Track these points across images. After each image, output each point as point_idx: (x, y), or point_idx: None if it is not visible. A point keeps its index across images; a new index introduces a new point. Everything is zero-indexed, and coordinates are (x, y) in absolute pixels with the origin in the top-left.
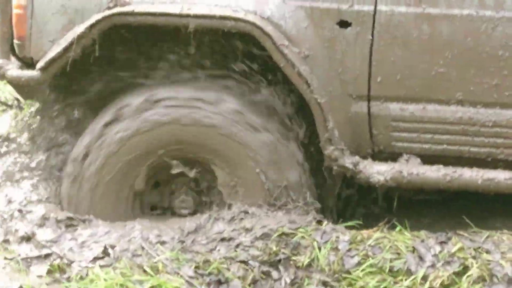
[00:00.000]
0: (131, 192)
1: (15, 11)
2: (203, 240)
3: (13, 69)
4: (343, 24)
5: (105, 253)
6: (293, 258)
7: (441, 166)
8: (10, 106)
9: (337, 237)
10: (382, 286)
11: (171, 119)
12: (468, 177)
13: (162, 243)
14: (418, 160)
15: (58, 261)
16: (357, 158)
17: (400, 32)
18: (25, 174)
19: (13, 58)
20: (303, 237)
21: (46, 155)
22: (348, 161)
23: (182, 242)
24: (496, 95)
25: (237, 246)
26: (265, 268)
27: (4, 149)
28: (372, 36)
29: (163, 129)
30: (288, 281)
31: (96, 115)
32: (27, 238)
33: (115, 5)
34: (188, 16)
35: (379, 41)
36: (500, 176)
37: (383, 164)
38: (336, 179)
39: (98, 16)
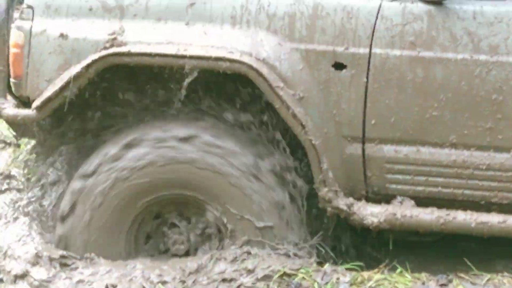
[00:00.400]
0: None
1: (12, 50)
2: (204, 281)
3: (9, 107)
4: (338, 66)
5: None
6: None
7: (435, 208)
8: (9, 144)
9: (338, 278)
10: None
11: (147, 162)
12: (461, 220)
13: (164, 283)
14: (412, 202)
15: None
16: (351, 199)
17: (394, 75)
18: (19, 212)
19: (9, 97)
20: (304, 278)
21: (40, 193)
22: (342, 202)
23: (183, 282)
24: (490, 138)
25: (238, 287)
26: None
27: (5, 186)
28: (367, 78)
29: (140, 174)
30: None
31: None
32: (21, 276)
33: (112, 45)
34: (184, 57)
35: (373, 84)
36: (493, 219)
37: (377, 206)
38: (330, 220)
39: (95, 56)
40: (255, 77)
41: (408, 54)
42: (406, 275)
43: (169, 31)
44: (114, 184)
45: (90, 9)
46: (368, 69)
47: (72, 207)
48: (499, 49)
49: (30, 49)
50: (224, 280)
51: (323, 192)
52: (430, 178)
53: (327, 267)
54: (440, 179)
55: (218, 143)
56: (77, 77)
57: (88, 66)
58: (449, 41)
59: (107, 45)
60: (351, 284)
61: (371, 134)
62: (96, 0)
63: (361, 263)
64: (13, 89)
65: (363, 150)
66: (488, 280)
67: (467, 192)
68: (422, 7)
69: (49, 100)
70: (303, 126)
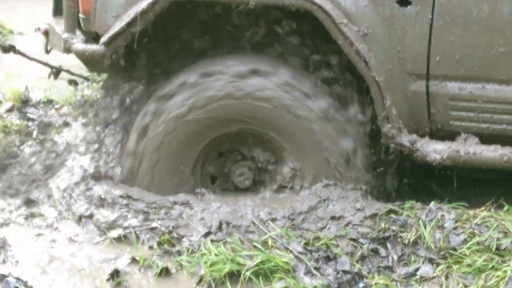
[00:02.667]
0: (191, 165)
1: None
2: (312, 219)
3: (78, 43)
4: (403, 2)
5: (219, 228)
6: (400, 235)
7: (498, 146)
8: (86, 79)
9: (443, 215)
10: (489, 265)
11: (226, 93)
12: None
13: (273, 220)
14: (476, 139)
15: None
16: (414, 136)
17: (460, 11)
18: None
19: (78, 32)
20: (408, 216)
21: (108, 129)
22: (405, 139)
23: (292, 220)
24: None
25: (347, 224)
26: (373, 246)
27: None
28: (432, 15)
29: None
30: (396, 258)
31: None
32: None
33: None
34: None
35: (438, 20)
36: None
37: (440, 143)
38: (394, 157)
39: None
40: (319, 13)
41: None
42: None
43: None
44: (189, 110)
45: None
46: (433, 5)
47: (145, 129)
48: None
49: None
50: (332, 218)
51: (386, 128)
52: (495, 116)
53: (432, 204)
54: (505, 116)
55: (295, 84)
56: (143, 13)
57: (154, 2)
58: None
59: None
60: (456, 221)
61: (436, 71)
62: None
63: (465, 204)
64: (82, 24)
65: (427, 87)
66: None
67: None
68: None
69: (116, 35)
70: (366, 63)
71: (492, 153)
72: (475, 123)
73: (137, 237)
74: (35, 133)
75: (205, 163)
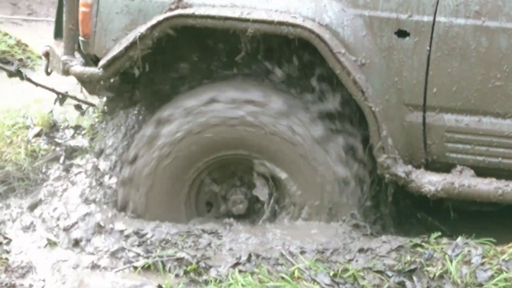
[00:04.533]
0: (185, 192)
1: (81, 9)
2: (341, 251)
3: (77, 65)
4: (402, 33)
5: (248, 260)
6: (426, 268)
7: (493, 179)
8: (92, 104)
9: (469, 251)
10: None
11: (220, 120)
12: None
13: (302, 253)
14: (472, 172)
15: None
16: (409, 167)
17: (458, 44)
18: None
19: (78, 55)
20: (434, 250)
21: (102, 157)
22: (400, 169)
23: (322, 252)
24: None
25: (374, 257)
26: (399, 279)
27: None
28: (430, 46)
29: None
30: None
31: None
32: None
33: (177, 7)
34: (247, 20)
35: (436, 52)
36: None
37: (435, 174)
38: (389, 188)
39: (160, 17)
40: (317, 42)
41: (473, 23)
42: None
43: None
44: (184, 136)
45: None
46: (432, 37)
47: (140, 155)
48: None
49: (98, 9)
50: (360, 250)
51: (382, 158)
52: (491, 149)
53: (459, 240)
54: (501, 150)
55: (288, 111)
56: (142, 37)
57: (153, 27)
58: None
59: (173, 6)
60: (483, 257)
61: (432, 102)
62: None
63: (492, 239)
64: (81, 47)
65: (424, 118)
66: None
67: None
68: None
69: (114, 59)
70: (363, 93)
71: (487, 186)
72: (471, 155)
73: (164, 266)
74: (62, 159)
75: (200, 189)
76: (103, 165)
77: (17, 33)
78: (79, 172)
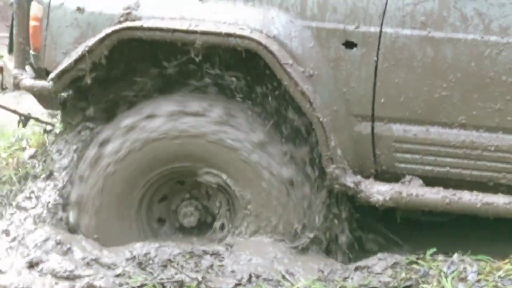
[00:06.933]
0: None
1: (31, 23)
2: (339, 270)
3: (27, 79)
4: (349, 44)
5: (249, 281)
6: (422, 285)
7: (441, 188)
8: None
9: (465, 268)
10: None
11: (160, 135)
12: (467, 200)
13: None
14: (420, 181)
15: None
16: (358, 177)
17: (404, 54)
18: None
19: (29, 68)
20: (430, 267)
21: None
22: (349, 180)
23: (322, 271)
24: (498, 119)
25: (370, 274)
26: None
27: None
28: (377, 57)
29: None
30: None
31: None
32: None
33: (126, 20)
34: (195, 32)
35: (383, 63)
36: (499, 200)
37: (384, 184)
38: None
39: (109, 30)
40: (264, 53)
41: (419, 34)
42: None
43: (183, 6)
44: (127, 154)
45: None
46: (379, 48)
47: (86, 174)
48: (510, 31)
49: (48, 22)
50: (357, 268)
51: (331, 169)
52: (439, 158)
53: (455, 256)
54: (449, 159)
55: (230, 119)
56: (91, 50)
57: (102, 39)
58: (459, 21)
59: (121, 19)
60: (478, 274)
61: (380, 113)
62: None
63: (488, 257)
64: (32, 61)
65: (373, 129)
66: None
67: (475, 173)
68: None
69: (64, 72)
70: (310, 103)
71: (434, 195)
72: (420, 165)
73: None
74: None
75: (150, 206)
76: (52, 187)
77: None
78: (29, 197)
